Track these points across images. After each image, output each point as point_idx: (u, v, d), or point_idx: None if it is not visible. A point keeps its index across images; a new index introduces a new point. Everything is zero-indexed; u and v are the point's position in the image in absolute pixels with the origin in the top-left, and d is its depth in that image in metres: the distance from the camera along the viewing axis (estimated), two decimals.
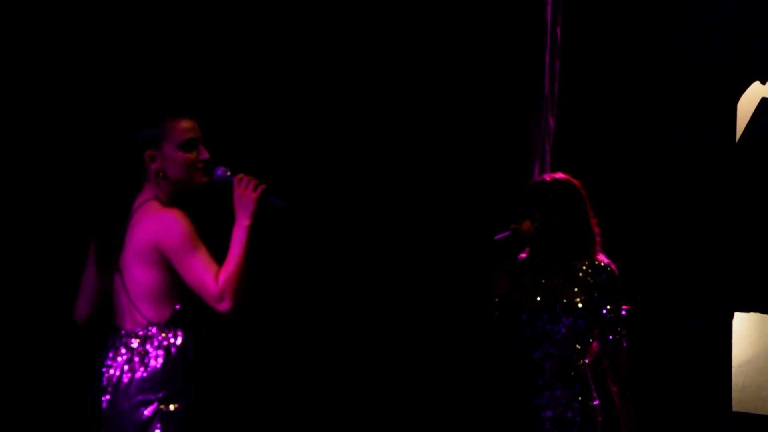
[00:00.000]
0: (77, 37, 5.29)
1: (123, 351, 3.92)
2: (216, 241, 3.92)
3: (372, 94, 5.85)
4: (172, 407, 3.85)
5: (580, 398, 4.40)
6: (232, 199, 3.94)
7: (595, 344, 4.50)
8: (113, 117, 5.21)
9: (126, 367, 3.88)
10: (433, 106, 5.91)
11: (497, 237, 4.41)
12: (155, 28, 5.43)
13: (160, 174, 3.98)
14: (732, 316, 6.09)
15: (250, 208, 3.91)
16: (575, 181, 4.57)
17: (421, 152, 5.90)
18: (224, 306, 3.82)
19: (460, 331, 5.58)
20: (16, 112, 5.24)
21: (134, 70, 5.37)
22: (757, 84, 6.06)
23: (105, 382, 3.91)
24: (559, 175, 4.58)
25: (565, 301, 4.43)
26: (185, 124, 4.03)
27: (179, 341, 3.91)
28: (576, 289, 4.45)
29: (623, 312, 4.50)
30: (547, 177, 4.61)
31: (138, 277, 3.91)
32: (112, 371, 3.91)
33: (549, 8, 5.83)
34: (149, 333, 3.91)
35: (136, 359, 3.88)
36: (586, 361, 4.45)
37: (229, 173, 4.00)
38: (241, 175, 3.97)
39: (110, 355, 3.94)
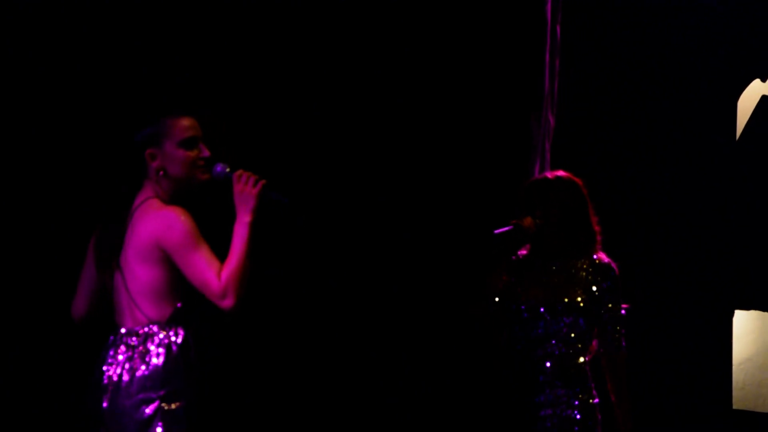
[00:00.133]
0: (77, 37, 5.29)
1: (123, 349, 3.92)
2: (217, 239, 3.92)
3: (373, 92, 5.85)
4: (173, 405, 3.85)
5: (580, 396, 4.40)
6: (232, 196, 3.94)
7: (594, 342, 4.50)
8: (113, 117, 5.20)
9: (127, 366, 3.88)
10: (433, 104, 5.91)
11: (498, 231, 4.41)
12: (155, 28, 5.42)
13: (161, 172, 3.98)
14: (732, 314, 6.09)
15: (251, 203, 3.91)
16: (577, 179, 4.56)
17: (421, 150, 5.90)
18: (227, 303, 3.82)
19: (460, 328, 5.58)
20: (16, 112, 5.23)
21: (134, 70, 5.36)
22: (757, 82, 6.07)
23: (105, 381, 3.90)
24: (561, 173, 4.57)
25: (566, 300, 4.42)
26: (186, 122, 4.02)
27: (180, 339, 3.91)
28: (577, 288, 4.45)
29: (623, 311, 4.49)
30: (549, 174, 4.60)
31: (139, 275, 3.91)
32: (112, 369, 3.90)
33: (549, 7, 5.83)
34: (150, 331, 3.91)
35: (137, 357, 3.88)
36: (586, 359, 4.45)
37: (228, 170, 3.99)
38: (240, 171, 3.96)
39: (110, 353, 3.93)
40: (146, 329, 3.91)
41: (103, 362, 3.94)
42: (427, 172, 5.89)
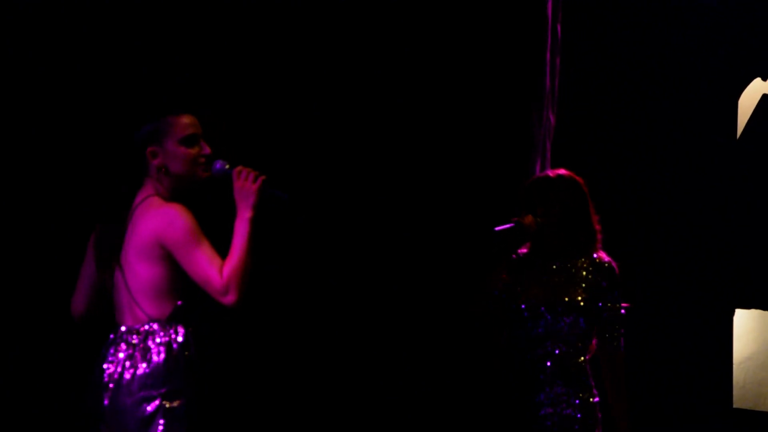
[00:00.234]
0: (77, 37, 5.29)
1: (123, 347, 3.91)
2: (217, 236, 3.91)
3: (373, 90, 5.85)
4: (174, 403, 3.84)
5: (580, 395, 4.40)
6: (232, 193, 3.93)
7: (594, 342, 4.50)
8: (113, 116, 5.20)
9: (127, 364, 3.88)
10: (433, 103, 5.91)
11: (498, 228, 4.40)
12: (155, 28, 5.42)
13: (162, 170, 3.98)
14: (733, 313, 6.09)
15: (251, 199, 3.91)
16: (578, 178, 4.56)
17: (421, 148, 5.90)
18: (230, 299, 3.82)
19: (460, 327, 5.58)
20: (16, 112, 5.23)
21: (134, 70, 5.36)
22: (758, 80, 6.07)
23: (106, 379, 3.90)
24: (563, 172, 4.57)
25: (566, 299, 4.42)
26: (186, 119, 4.02)
27: (181, 337, 3.90)
28: (577, 287, 4.45)
29: (622, 311, 4.49)
30: (551, 173, 4.60)
31: (140, 272, 3.91)
32: (113, 368, 3.90)
33: (550, 5, 5.83)
34: (150, 329, 3.90)
35: (138, 355, 3.87)
36: (587, 358, 4.45)
37: (227, 166, 3.99)
38: (240, 168, 3.96)
39: (111, 351, 3.93)
40: (147, 327, 3.91)
41: (104, 360, 3.93)
42: (428, 170, 5.89)
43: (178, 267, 3.86)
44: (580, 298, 4.43)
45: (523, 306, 4.45)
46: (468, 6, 5.92)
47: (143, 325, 3.91)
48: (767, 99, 6.07)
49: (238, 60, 5.64)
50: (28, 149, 5.24)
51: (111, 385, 3.88)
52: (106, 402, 3.88)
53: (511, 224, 4.40)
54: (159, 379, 3.84)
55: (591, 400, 4.41)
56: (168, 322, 3.91)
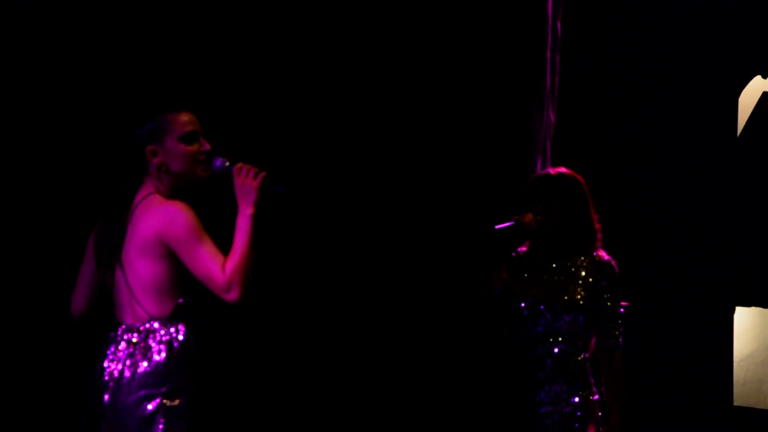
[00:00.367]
0: (77, 37, 5.29)
1: (124, 346, 3.91)
2: (218, 233, 3.91)
3: (373, 90, 5.85)
4: (175, 402, 3.84)
5: (580, 393, 4.40)
6: (232, 190, 3.93)
7: (594, 340, 4.50)
8: (113, 116, 5.20)
9: (128, 362, 3.87)
10: (434, 102, 5.92)
11: (499, 227, 4.40)
12: (155, 28, 5.43)
13: (163, 168, 3.98)
14: (733, 311, 6.09)
15: (252, 196, 3.91)
16: (579, 177, 4.56)
17: (422, 148, 5.90)
18: (232, 296, 3.82)
19: (460, 327, 5.58)
20: (16, 112, 5.23)
21: (134, 70, 5.36)
22: (758, 78, 6.07)
23: (107, 377, 3.89)
24: (563, 170, 4.57)
25: (566, 298, 4.43)
26: (185, 116, 4.02)
27: (181, 336, 3.90)
28: (577, 286, 4.45)
29: (621, 309, 4.49)
30: (551, 171, 4.60)
31: (141, 271, 3.90)
32: (113, 366, 3.90)
33: (550, 3, 5.83)
34: (151, 327, 3.90)
35: (138, 354, 3.87)
36: (586, 356, 4.45)
37: (227, 163, 3.99)
38: (240, 164, 3.96)
39: (111, 349, 3.93)
40: (147, 326, 3.91)
41: (104, 359, 3.93)
42: (428, 169, 5.90)
43: (180, 265, 3.86)
44: (579, 296, 4.43)
45: (522, 305, 4.45)
46: (468, 4, 5.92)
47: (144, 324, 3.91)
48: None
49: (238, 60, 5.64)
50: (28, 149, 5.23)
51: (111, 384, 3.88)
52: (106, 400, 3.88)
53: (511, 223, 4.40)
54: (160, 378, 3.84)
55: (591, 398, 4.42)
56: (169, 321, 3.91)
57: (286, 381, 5.68)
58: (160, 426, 3.82)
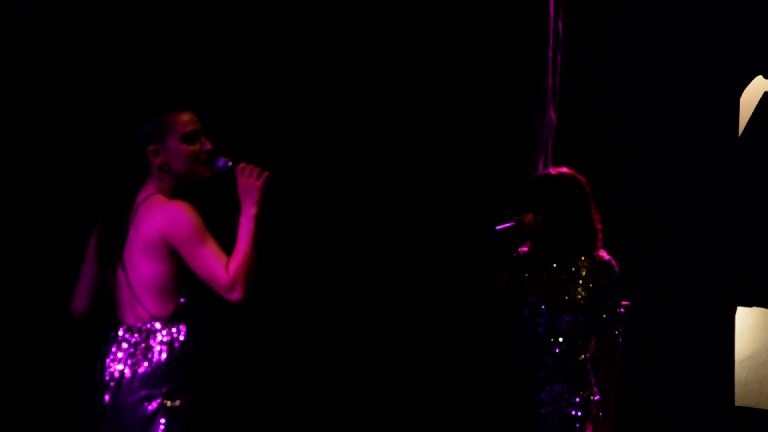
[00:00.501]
0: (77, 37, 5.28)
1: (125, 346, 3.91)
2: (219, 233, 3.91)
3: (374, 90, 5.85)
4: (176, 402, 3.84)
5: (581, 393, 4.40)
6: (235, 190, 3.93)
7: (594, 339, 4.50)
8: (113, 116, 5.20)
9: (129, 362, 3.87)
10: (434, 101, 5.92)
11: (499, 227, 4.40)
12: (155, 28, 5.42)
13: (165, 168, 3.97)
14: (735, 311, 6.09)
15: (255, 196, 3.91)
16: (580, 177, 4.56)
17: (423, 147, 5.90)
18: (236, 295, 3.82)
19: (461, 326, 5.58)
20: (16, 112, 5.23)
21: (134, 70, 5.36)
22: (759, 78, 6.07)
23: (107, 377, 3.89)
24: (565, 170, 4.57)
25: (566, 298, 4.43)
26: (186, 116, 4.02)
27: (182, 336, 3.90)
28: (577, 286, 4.45)
29: (621, 309, 4.49)
30: (552, 171, 4.60)
31: (143, 270, 3.90)
32: (114, 366, 3.89)
33: (551, 3, 5.83)
34: (152, 328, 3.90)
35: (139, 354, 3.87)
36: (587, 356, 4.45)
37: (230, 163, 3.99)
38: (243, 164, 3.96)
39: (112, 349, 3.92)
40: (148, 326, 3.91)
41: (105, 359, 3.93)
42: (429, 169, 5.89)
43: (182, 265, 3.86)
44: (580, 296, 4.43)
45: (523, 305, 4.45)
46: (469, 5, 5.92)
47: (145, 324, 3.91)
48: None
49: (238, 60, 5.64)
50: (28, 149, 5.23)
51: (112, 384, 3.88)
52: (107, 400, 3.88)
53: (512, 223, 4.40)
54: (160, 378, 3.84)
55: (592, 398, 4.42)
56: (170, 321, 3.90)
57: (287, 381, 5.68)
58: (161, 426, 3.82)
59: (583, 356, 4.44)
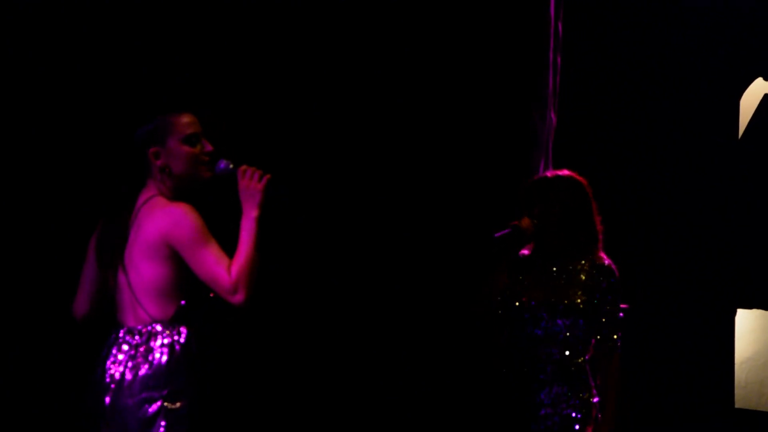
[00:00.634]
0: (77, 37, 5.28)
1: (125, 348, 3.91)
2: (220, 236, 3.91)
3: (374, 89, 5.85)
4: (176, 404, 3.84)
5: (580, 395, 4.41)
6: (236, 191, 3.93)
7: (593, 342, 4.50)
8: (113, 117, 5.19)
9: (130, 364, 3.87)
10: (435, 101, 5.91)
11: (498, 234, 4.41)
12: (155, 28, 5.42)
13: (166, 170, 3.97)
14: (735, 313, 6.10)
15: (257, 198, 3.91)
16: (580, 179, 4.56)
17: (423, 148, 5.90)
18: (238, 298, 3.82)
19: (461, 327, 5.58)
20: (16, 112, 5.22)
21: (134, 70, 5.35)
22: (759, 80, 6.07)
23: (108, 379, 3.89)
24: (563, 172, 4.58)
25: (566, 301, 4.43)
26: (186, 118, 4.02)
27: (183, 338, 3.90)
28: (577, 289, 4.45)
29: (621, 313, 4.49)
30: (549, 173, 4.62)
31: (144, 272, 3.90)
32: (114, 368, 3.89)
33: (552, 3, 5.83)
34: (153, 330, 3.90)
35: (140, 356, 3.87)
36: (586, 358, 4.46)
37: (231, 165, 4.00)
38: (244, 167, 3.97)
39: (113, 351, 3.92)
40: (149, 328, 3.90)
41: (105, 360, 3.93)
42: (430, 170, 5.89)
43: (184, 267, 3.86)
44: (579, 300, 4.44)
45: (524, 307, 4.46)
46: (470, 5, 5.92)
47: (146, 326, 3.91)
48: None
49: (238, 60, 5.63)
50: (28, 149, 5.22)
51: (113, 386, 3.88)
52: (107, 402, 3.88)
53: (509, 229, 4.41)
54: (161, 380, 3.84)
55: (591, 400, 4.42)
56: (171, 323, 3.90)
57: (287, 382, 5.68)
58: (161, 428, 3.82)
59: (582, 358, 4.44)
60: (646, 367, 5.90)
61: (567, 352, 4.42)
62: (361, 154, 5.85)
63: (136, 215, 3.96)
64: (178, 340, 3.89)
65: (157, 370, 3.85)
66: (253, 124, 5.64)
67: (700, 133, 6.09)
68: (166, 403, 3.83)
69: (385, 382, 5.84)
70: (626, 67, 6.13)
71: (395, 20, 5.86)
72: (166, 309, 3.90)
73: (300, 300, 5.70)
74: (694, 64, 6.08)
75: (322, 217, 5.71)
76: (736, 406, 6.07)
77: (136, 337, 3.91)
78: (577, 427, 4.38)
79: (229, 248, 3.86)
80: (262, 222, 3.90)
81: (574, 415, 4.39)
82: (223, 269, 3.81)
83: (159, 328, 3.90)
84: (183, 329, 3.91)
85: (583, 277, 4.47)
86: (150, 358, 3.86)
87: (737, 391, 6.06)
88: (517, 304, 4.47)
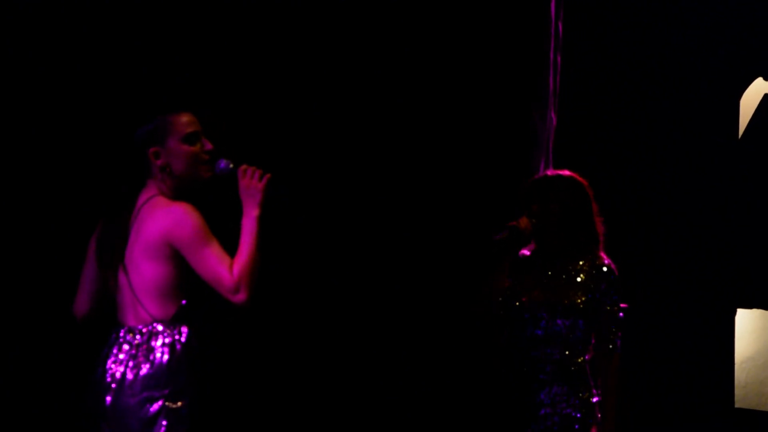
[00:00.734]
0: (77, 37, 5.28)
1: (126, 347, 3.91)
2: (220, 235, 3.91)
3: (375, 89, 5.85)
4: (177, 404, 3.84)
5: (580, 395, 4.41)
6: (236, 191, 3.94)
7: (592, 342, 4.50)
8: (113, 117, 5.19)
9: (130, 364, 3.87)
10: (436, 101, 5.92)
11: (497, 237, 4.42)
12: (155, 28, 5.42)
13: (167, 170, 3.97)
14: (734, 313, 6.10)
15: (258, 198, 3.91)
16: (580, 179, 4.56)
17: (423, 148, 5.90)
18: (241, 297, 3.82)
19: (461, 327, 5.58)
20: (16, 112, 5.22)
21: (134, 70, 5.35)
22: (759, 80, 6.07)
23: (108, 379, 3.89)
24: (563, 172, 4.58)
25: (566, 301, 4.43)
26: (186, 117, 4.02)
27: (184, 338, 3.90)
28: (577, 289, 4.46)
29: (620, 314, 4.49)
30: (550, 173, 4.62)
31: (145, 272, 3.90)
32: (115, 368, 3.89)
33: (553, 3, 5.83)
34: (154, 329, 3.90)
35: (141, 356, 3.87)
36: (586, 358, 4.46)
37: (231, 165, 4.00)
38: (245, 166, 3.97)
39: (114, 351, 3.92)
40: (150, 327, 3.90)
41: (106, 360, 3.93)
42: (430, 170, 5.90)
43: (185, 267, 3.86)
44: (579, 300, 4.44)
45: (524, 307, 4.46)
46: (470, 5, 5.92)
47: (146, 326, 3.91)
48: None
49: (238, 60, 5.64)
50: (28, 149, 5.22)
51: (113, 385, 3.88)
52: (108, 402, 3.88)
53: (506, 232, 4.41)
54: (162, 380, 3.84)
55: (591, 399, 4.42)
56: (172, 323, 3.90)
57: (288, 381, 5.68)
58: (163, 428, 3.83)
59: (582, 358, 4.44)
60: (646, 367, 5.90)
61: (567, 352, 4.42)
62: (361, 154, 5.85)
63: (137, 215, 3.96)
64: (179, 340, 3.89)
65: (158, 369, 3.85)
66: (253, 124, 5.64)
67: (700, 133, 6.09)
68: (167, 403, 3.84)
69: (385, 382, 5.83)
70: (626, 67, 6.13)
71: (395, 20, 5.86)
72: (167, 308, 3.90)
73: (300, 300, 5.70)
74: (694, 64, 6.08)
75: (322, 217, 5.71)
76: (736, 406, 6.07)
77: (137, 337, 3.91)
78: (576, 427, 4.39)
79: (230, 248, 3.86)
80: (262, 221, 3.90)
81: (573, 414, 4.39)
82: (225, 269, 3.82)
83: (160, 327, 3.90)
84: (184, 329, 3.91)
85: (583, 278, 4.47)
86: (151, 357, 3.86)
87: (737, 391, 6.06)
88: (517, 304, 4.47)
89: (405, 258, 5.85)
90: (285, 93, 5.76)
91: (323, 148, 5.80)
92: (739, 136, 6.10)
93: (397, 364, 5.85)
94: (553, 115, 5.85)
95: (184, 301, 3.91)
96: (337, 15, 5.80)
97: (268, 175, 3.95)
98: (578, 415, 4.39)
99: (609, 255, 4.56)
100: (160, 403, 3.82)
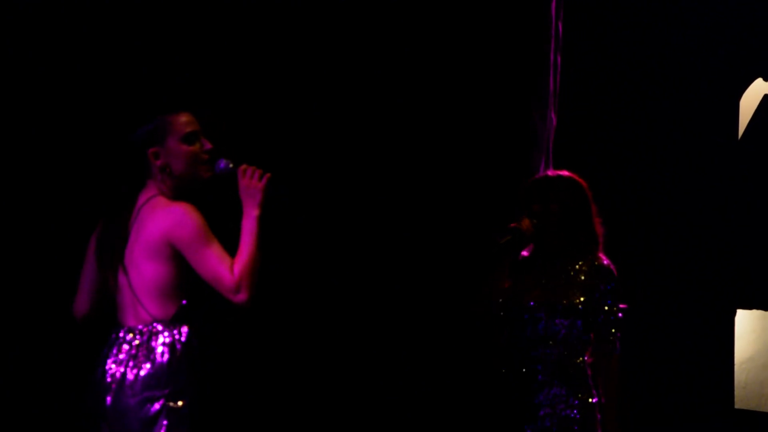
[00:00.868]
0: (77, 37, 5.28)
1: (126, 347, 3.91)
2: (219, 235, 3.91)
3: (375, 89, 5.85)
4: (178, 404, 3.84)
5: (579, 396, 4.41)
6: (236, 191, 3.94)
7: (592, 342, 4.50)
8: (113, 117, 5.20)
9: (131, 364, 3.87)
10: (436, 101, 5.92)
11: (501, 240, 4.42)
12: (155, 28, 5.42)
13: (166, 170, 3.97)
14: (734, 314, 6.09)
15: (258, 197, 3.91)
16: (580, 180, 4.56)
17: (423, 148, 5.90)
18: (241, 297, 3.82)
19: (461, 327, 5.58)
20: (16, 112, 5.22)
21: (134, 70, 5.35)
22: (759, 81, 6.07)
23: (109, 379, 3.89)
24: (563, 172, 4.58)
25: (565, 301, 4.43)
26: (185, 117, 4.03)
27: (184, 338, 3.90)
28: (576, 290, 4.46)
29: (620, 314, 4.49)
30: (550, 173, 4.62)
31: (146, 272, 3.90)
32: (115, 368, 3.89)
33: (553, 4, 5.82)
34: (154, 329, 3.90)
35: (141, 356, 3.87)
36: (585, 359, 4.45)
37: (231, 165, 4.00)
38: (245, 166, 3.97)
39: (113, 351, 3.92)
40: (150, 327, 3.90)
41: (106, 360, 3.93)
42: (430, 170, 5.90)
43: (185, 266, 3.86)
44: (578, 300, 4.44)
45: (523, 307, 4.46)
46: (470, 5, 5.92)
47: (147, 326, 3.91)
48: None
49: (238, 60, 5.64)
50: (28, 149, 5.23)
51: (114, 386, 3.88)
52: (108, 402, 3.88)
53: (509, 235, 4.42)
54: (163, 380, 3.84)
55: (590, 400, 4.42)
56: (172, 323, 3.90)
57: (288, 381, 5.68)
58: (163, 428, 3.83)
59: (581, 359, 4.44)
60: (646, 367, 5.90)
61: (566, 353, 4.42)
62: (361, 154, 5.85)
63: (137, 215, 3.96)
64: (179, 340, 3.89)
65: (159, 369, 3.85)
66: (253, 124, 5.64)
67: (700, 133, 6.08)
68: (168, 402, 3.84)
69: (385, 382, 5.83)
70: (626, 67, 6.13)
71: (395, 20, 5.86)
72: (167, 308, 3.90)
73: (300, 300, 5.70)
74: (694, 64, 6.08)
75: (322, 217, 5.71)
76: (736, 406, 6.06)
77: (137, 337, 3.91)
78: (575, 427, 4.39)
79: (230, 248, 3.86)
80: (262, 221, 3.90)
81: (572, 415, 4.39)
82: (226, 268, 3.82)
83: (160, 327, 3.90)
84: (184, 328, 3.91)
85: (582, 278, 4.47)
86: (151, 357, 3.86)
87: (737, 391, 6.06)
88: (516, 304, 4.47)
89: (405, 258, 5.85)
90: (285, 93, 5.76)
91: (323, 148, 5.80)
92: (739, 136, 6.09)
93: (397, 364, 5.85)
94: (553, 115, 5.84)
95: (184, 301, 3.91)
96: (336, 15, 5.80)
97: (268, 175, 3.95)
98: (577, 416, 4.39)
99: (609, 255, 4.56)
100: (160, 402, 3.83)
